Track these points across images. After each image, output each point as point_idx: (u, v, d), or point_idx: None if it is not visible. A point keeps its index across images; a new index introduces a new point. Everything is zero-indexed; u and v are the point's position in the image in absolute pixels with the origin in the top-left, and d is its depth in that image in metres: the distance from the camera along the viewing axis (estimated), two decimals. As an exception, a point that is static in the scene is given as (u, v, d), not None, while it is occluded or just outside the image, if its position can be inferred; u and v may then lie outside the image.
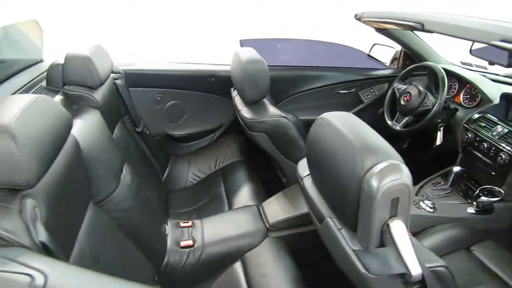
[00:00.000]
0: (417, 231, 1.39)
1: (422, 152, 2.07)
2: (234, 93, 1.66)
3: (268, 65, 1.49)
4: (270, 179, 1.80)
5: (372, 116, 2.07)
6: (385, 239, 0.64)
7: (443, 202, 1.52)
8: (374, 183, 0.61)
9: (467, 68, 1.88)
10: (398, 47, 2.03)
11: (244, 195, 1.58)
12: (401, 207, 0.63)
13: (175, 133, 1.98)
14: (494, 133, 1.45)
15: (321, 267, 1.18)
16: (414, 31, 1.80)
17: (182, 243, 1.30)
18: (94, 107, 1.27)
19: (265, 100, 1.50)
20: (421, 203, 1.46)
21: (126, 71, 1.72)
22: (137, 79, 1.85)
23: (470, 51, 1.38)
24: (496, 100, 1.54)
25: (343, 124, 0.74)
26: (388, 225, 0.63)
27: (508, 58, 1.12)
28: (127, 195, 1.11)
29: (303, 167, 0.98)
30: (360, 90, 2.10)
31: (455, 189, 1.58)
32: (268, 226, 1.36)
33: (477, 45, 1.31)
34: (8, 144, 0.64)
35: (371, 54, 2.15)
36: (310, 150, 0.87)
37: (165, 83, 1.90)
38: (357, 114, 2.11)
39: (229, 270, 1.26)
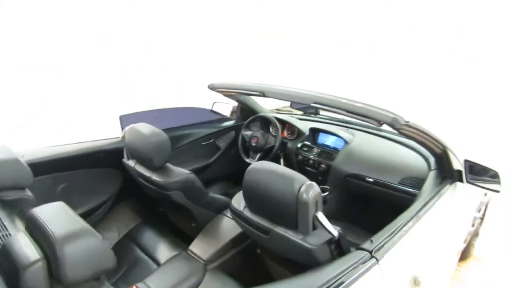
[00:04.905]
0: None
1: None
2: (131, 163, 1.85)
3: None
4: (178, 228, 2.05)
5: (229, 156, 2.67)
6: (315, 225, 1.19)
7: None
8: (306, 195, 1.14)
9: (281, 113, 2.77)
10: (234, 103, 2.73)
11: (165, 248, 1.77)
12: (319, 205, 1.19)
13: None
14: (314, 153, 2.32)
15: (264, 274, 1.59)
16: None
17: None
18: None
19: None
20: None
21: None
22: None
23: (291, 104, 2.25)
24: (307, 132, 2.44)
25: (270, 166, 1.26)
26: (316, 217, 1.17)
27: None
28: None
29: (237, 202, 1.41)
30: (217, 139, 2.67)
31: None
32: (204, 261, 1.66)
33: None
34: None
35: (213, 109, 2.77)
36: (248, 189, 1.32)
37: (58, 167, 1.85)
38: (218, 158, 2.67)
39: None
